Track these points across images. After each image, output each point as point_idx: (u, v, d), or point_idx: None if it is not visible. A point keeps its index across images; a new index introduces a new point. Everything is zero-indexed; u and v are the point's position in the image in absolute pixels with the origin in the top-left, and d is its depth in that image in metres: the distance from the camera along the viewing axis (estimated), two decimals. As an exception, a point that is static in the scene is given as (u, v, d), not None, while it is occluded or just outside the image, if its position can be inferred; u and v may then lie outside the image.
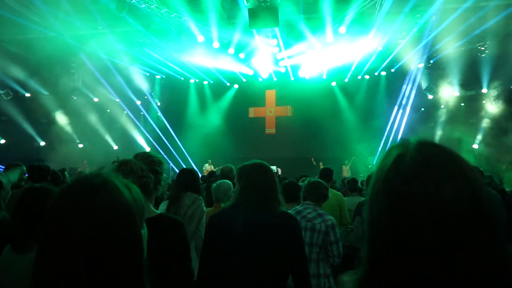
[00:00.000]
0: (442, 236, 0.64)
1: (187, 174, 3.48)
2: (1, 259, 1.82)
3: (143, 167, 1.75)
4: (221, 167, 5.13)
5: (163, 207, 3.41)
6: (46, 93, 15.11)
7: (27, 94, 14.99)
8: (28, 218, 1.79)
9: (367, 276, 0.73)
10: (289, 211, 3.02)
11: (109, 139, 15.81)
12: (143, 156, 1.95)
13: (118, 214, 0.82)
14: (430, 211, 0.65)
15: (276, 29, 11.78)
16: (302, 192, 3.20)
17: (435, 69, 13.78)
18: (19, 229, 1.80)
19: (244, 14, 10.77)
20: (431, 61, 13.62)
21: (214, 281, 1.96)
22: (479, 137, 12.85)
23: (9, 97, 14.12)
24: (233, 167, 4.87)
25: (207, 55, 13.69)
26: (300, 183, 3.86)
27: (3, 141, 15.05)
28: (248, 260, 1.91)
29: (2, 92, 13.93)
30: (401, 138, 0.79)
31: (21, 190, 3.49)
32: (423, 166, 0.68)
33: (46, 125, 15.27)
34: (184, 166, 13.12)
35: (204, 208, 3.34)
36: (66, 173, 5.43)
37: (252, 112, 17.23)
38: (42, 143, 15.35)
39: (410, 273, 0.66)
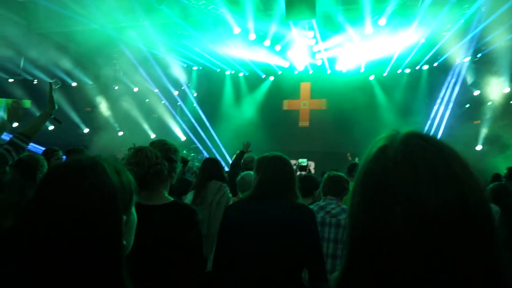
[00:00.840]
0: (420, 242, 0.58)
1: (211, 164, 3.56)
2: None
3: (157, 154, 1.80)
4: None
5: (189, 196, 3.51)
6: (90, 82, 15.88)
7: (73, 84, 15.83)
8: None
9: (344, 274, 0.69)
10: (311, 206, 3.01)
11: (147, 127, 16.37)
12: (159, 144, 1.99)
13: (100, 196, 0.84)
14: (408, 212, 0.59)
15: (313, 21, 11.55)
16: (321, 186, 3.16)
17: (482, 64, 12.92)
18: None
19: (280, 5, 10.66)
20: (478, 55, 12.79)
21: (228, 272, 1.99)
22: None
23: (58, 86, 14.94)
24: (255, 157, 4.87)
25: (243, 47, 13.72)
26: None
27: (51, 128, 16.05)
28: (260, 253, 1.92)
29: (52, 81, 14.78)
30: (392, 129, 0.72)
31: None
32: (405, 160, 0.62)
33: (89, 113, 16.09)
34: (218, 156, 13.36)
35: (230, 194, 3.41)
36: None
37: (286, 105, 17.10)
38: (86, 130, 16.20)
39: (385, 277, 0.60)
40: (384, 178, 0.63)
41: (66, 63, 14.15)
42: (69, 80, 15.56)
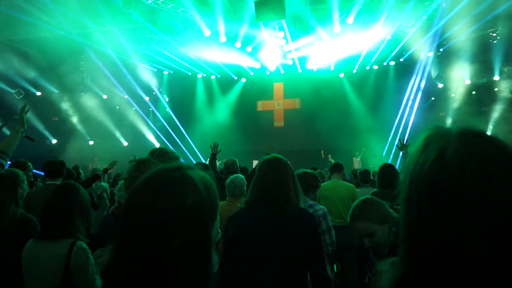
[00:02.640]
0: (497, 245, 0.55)
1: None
2: (27, 251, 1.88)
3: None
4: (223, 160, 5.12)
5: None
6: (56, 91, 15.28)
7: (38, 93, 15.18)
8: (60, 213, 1.87)
9: (402, 280, 0.65)
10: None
11: (119, 135, 15.96)
12: (159, 153, 1.96)
13: (193, 211, 0.80)
14: (482, 213, 0.56)
15: (283, 21, 11.70)
16: None
17: (445, 57, 13.55)
18: (50, 222, 1.87)
19: (250, 7, 10.71)
20: (441, 49, 13.40)
21: (236, 282, 1.95)
22: (490, 126, 12.66)
23: (21, 96, 14.31)
24: (236, 160, 4.86)
25: (214, 50, 13.68)
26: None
27: (15, 140, 15.31)
28: (265, 262, 1.89)
29: (13, 91, 14.12)
30: (437, 126, 0.68)
31: (45, 187, 3.56)
32: (470, 162, 0.58)
33: (57, 123, 15.49)
34: (194, 161, 13.21)
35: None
36: (80, 170, 5.50)
37: (260, 106, 17.21)
38: (54, 141, 15.57)
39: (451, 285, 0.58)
40: (453, 184, 0.59)
41: (30, 72, 13.56)
42: (33, 90, 14.91)
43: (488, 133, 0.65)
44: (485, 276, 0.56)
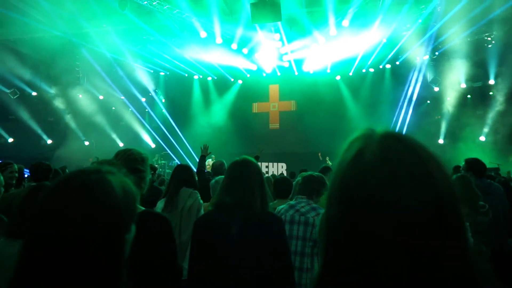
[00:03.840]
0: (399, 244, 0.57)
1: (182, 170, 3.50)
2: None
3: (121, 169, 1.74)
4: (212, 162, 5.10)
5: (160, 205, 3.43)
6: (52, 91, 15.25)
7: (34, 93, 15.13)
8: (28, 212, 1.84)
9: (320, 280, 0.67)
10: (283, 206, 3.02)
11: (114, 136, 15.92)
12: (123, 155, 1.89)
13: (105, 216, 0.80)
14: (387, 216, 0.58)
15: (279, 24, 11.71)
16: (296, 186, 3.18)
17: (440, 61, 13.60)
18: (19, 221, 1.85)
19: (246, 8, 10.72)
20: (437, 53, 13.44)
21: (203, 283, 1.94)
22: (486, 129, 12.69)
23: (16, 96, 14.27)
24: (224, 162, 4.85)
25: (211, 51, 13.68)
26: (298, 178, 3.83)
27: (11, 140, 15.25)
28: (229, 266, 1.87)
29: (9, 91, 14.09)
30: (366, 128, 0.69)
31: (27, 189, 3.54)
32: (383, 166, 0.61)
33: (52, 124, 15.45)
34: (189, 162, 13.18)
35: (201, 201, 3.36)
36: (67, 170, 5.48)
37: (256, 108, 17.21)
38: (49, 141, 15.53)
39: (363, 284, 0.59)
40: (363, 185, 0.61)
41: (25, 72, 13.53)
42: (28, 90, 14.86)
43: (412, 137, 0.66)
44: (393, 269, 0.58)
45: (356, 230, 0.60)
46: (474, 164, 4.04)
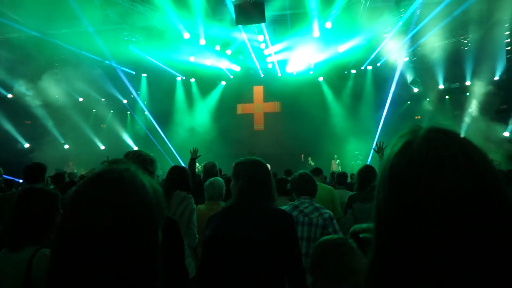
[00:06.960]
0: (447, 232, 0.61)
1: (177, 173, 3.43)
2: None
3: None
4: (203, 163, 5.04)
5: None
6: (29, 93, 14.75)
7: (9, 95, 14.60)
8: (25, 219, 1.76)
9: (373, 265, 0.71)
10: (285, 206, 3.02)
11: (95, 139, 15.57)
12: (133, 155, 1.89)
13: (142, 211, 0.79)
14: (434, 203, 0.62)
15: (263, 25, 11.77)
16: (291, 184, 3.19)
17: (419, 63, 13.97)
18: (16, 228, 1.78)
19: (230, 10, 10.71)
20: (416, 55, 13.80)
21: (214, 281, 1.92)
22: (463, 129, 13.09)
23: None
24: (216, 163, 4.83)
25: (194, 52, 13.59)
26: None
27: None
28: (245, 261, 1.87)
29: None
30: (413, 124, 0.74)
31: (17, 193, 3.42)
32: (429, 154, 0.66)
33: (29, 126, 14.95)
34: (172, 164, 13.00)
35: (194, 206, 3.31)
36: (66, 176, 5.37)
37: (240, 109, 17.20)
38: (27, 145, 15.01)
39: (414, 265, 0.63)
40: (411, 172, 0.65)
41: (0, 73, 13.05)
42: (4, 92, 14.33)
43: (459, 133, 0.71)
44: (439, 251, 0.62)
45: (403, 212, 0.65)
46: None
